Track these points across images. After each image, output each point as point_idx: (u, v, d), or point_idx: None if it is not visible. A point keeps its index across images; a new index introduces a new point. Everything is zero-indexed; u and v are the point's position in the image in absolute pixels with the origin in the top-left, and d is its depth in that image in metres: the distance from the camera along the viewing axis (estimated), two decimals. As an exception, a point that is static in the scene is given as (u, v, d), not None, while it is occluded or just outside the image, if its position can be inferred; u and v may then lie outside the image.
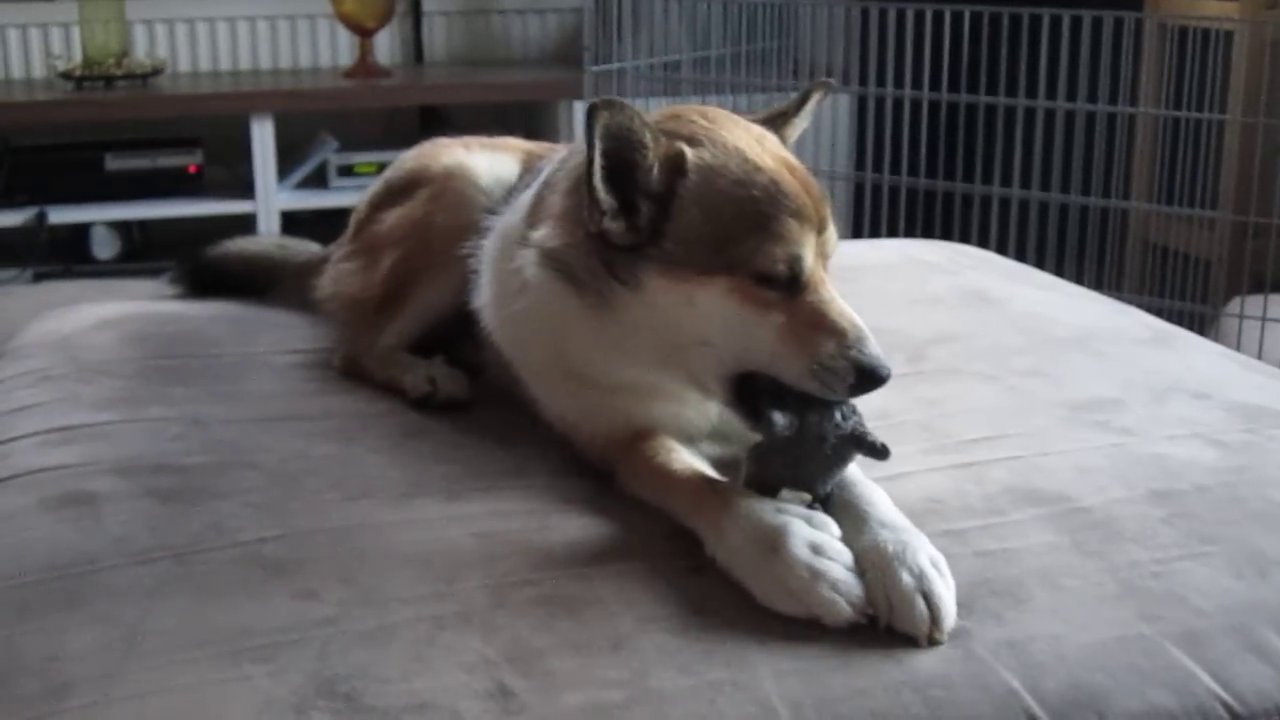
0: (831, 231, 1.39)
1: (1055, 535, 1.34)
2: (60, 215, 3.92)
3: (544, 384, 1.55)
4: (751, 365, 1.34)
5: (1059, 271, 3.11)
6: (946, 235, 3.22)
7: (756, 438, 1.33)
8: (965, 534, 1.34)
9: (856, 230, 3.72)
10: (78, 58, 4.13)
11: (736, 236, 1.32)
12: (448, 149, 1.90)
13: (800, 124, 1.56)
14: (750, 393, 1.35)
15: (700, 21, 3.73)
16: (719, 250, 1.33)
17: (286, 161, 4.09)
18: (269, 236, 2.28)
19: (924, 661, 1.15)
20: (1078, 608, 1.23)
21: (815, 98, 1.56)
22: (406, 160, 1.95)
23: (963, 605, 1.20)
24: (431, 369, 1.73)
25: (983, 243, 3.13)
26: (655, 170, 1.35)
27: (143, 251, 4.06)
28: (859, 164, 3.69)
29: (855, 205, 3.83)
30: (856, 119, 3.92)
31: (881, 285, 2.13)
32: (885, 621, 1.18)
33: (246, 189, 4.00)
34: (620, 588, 1.24)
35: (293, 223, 3.94)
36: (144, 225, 4.08)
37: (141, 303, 2.13)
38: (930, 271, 2.23)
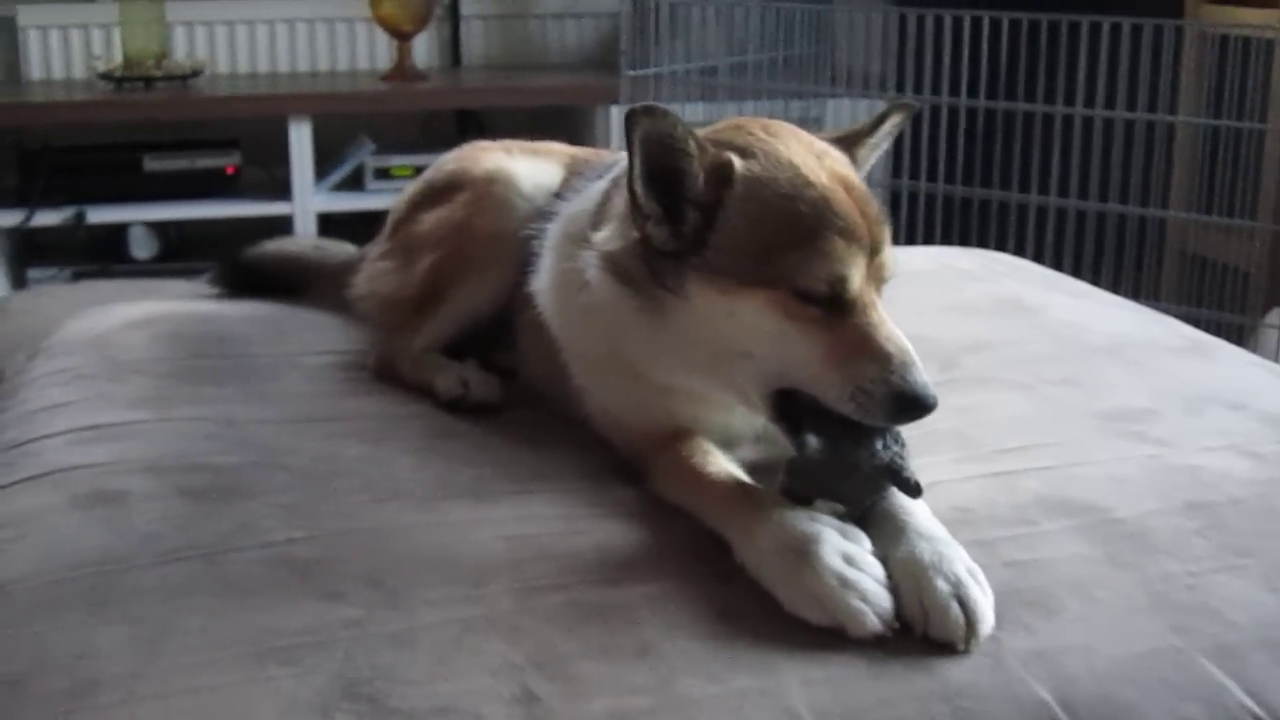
0: (887, 255, 1.37)
1: (1087, 546, 1.33)
2: (99, 215, 3.93)
3: (594, 376, 1.55)
4: (791, 382, 1.33)
5: (1096, 281, 3.09)
6: (983, 243, 3.20)
7: None
8: (995, 544, 1.33)
9: (894, 238, 3.70)
10: (118, 59, 4.15)
11: (780, 250, 1.31)
12: (489, 153, 1.90)
13: (877, 145, 1.53)
14: (791, 408, 1.34)
15: (737, 26, 3.72)
16: (762, 263, 1.32)
17: (323, 164, 4.10)
18: (306, 238, 2.29)
19: (953, 671, 1.14)
20: (1109, 619, 1.21)
21: (894, 119, 1.53)
22: (447, 162, 1.95)
23: (994, 616, 1.19)
24: (464, 371, 1.73)
25: (1019, 251, 3.11)
26: (701, 179, 1.35)
27: (180, 252, 4.08)
28: (896, 171, 3.67)
29: (892, 213, 3.80)
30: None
31: (915, 292, 2.10)
32: (921, 630, 1.17)
33: (283, 190, 4.01)
34: (648, 594, 1.23)
35: (329, 224, 3.95)
36: (181, 226, 4.09)
37: (176, 302, 2.14)
38: (965, 279, 2.22)
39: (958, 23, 3.27)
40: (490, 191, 1.80)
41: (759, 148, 1.36)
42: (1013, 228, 3.30)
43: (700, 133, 1.39)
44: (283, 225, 3.94)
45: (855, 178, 1.38)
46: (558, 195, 1.72)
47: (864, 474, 1.26)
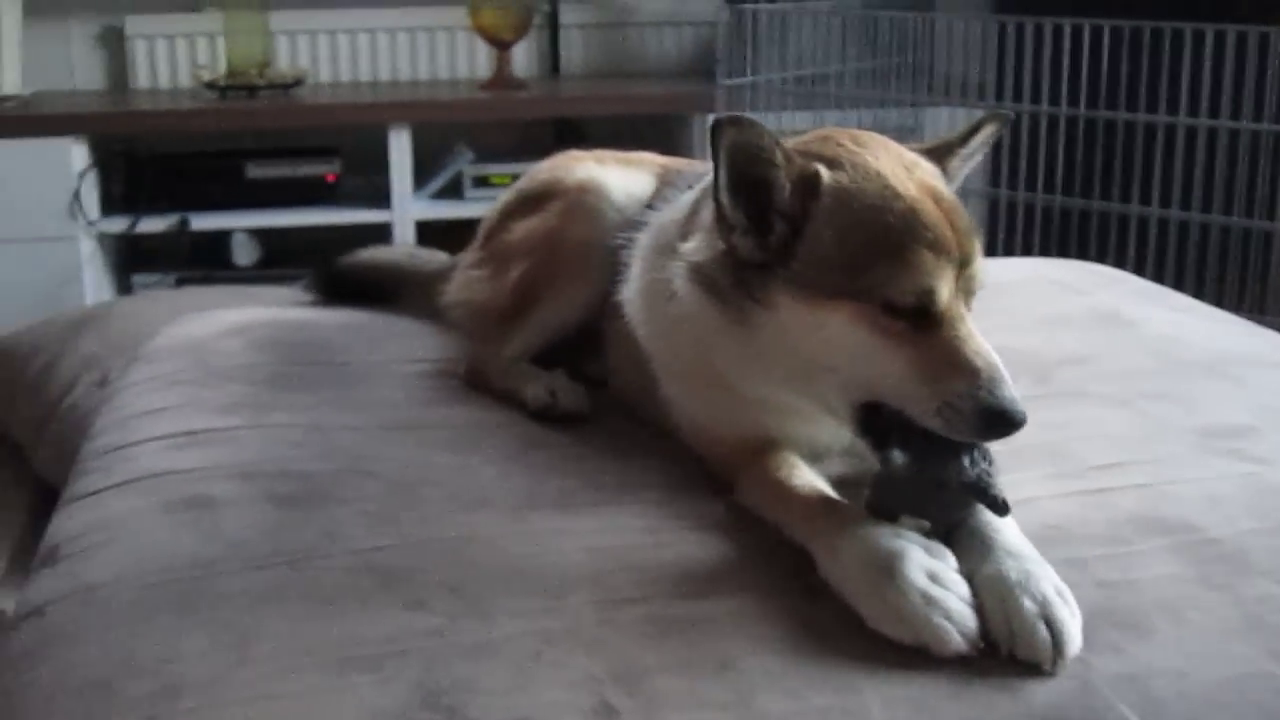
0: (977, 268, 1.35)
1: (1181, 566, 1.30)
2: (202, 222, 3.99)
3: (682, 386, 1.55)
4: (877, 396, 1.31)
5: (1199, 293, 3.03)
6: (1083, 254, 3.15)
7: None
8: (1087, 562, 1.30)
9: (990, 249, 3.66)
10: (222, 68, 4.22)
11: (867, 263, 1.30)
12: (582, 162, 1.91)
13: (969, 156, 1.51)
14: (878, 422, 1.32)
15: (835, 35, 3.70)
16: (849, 275, 1.30)
17: (423, 172, 4.13)
18: (400, 246, 2.32)
19: (1039, 693, 1.12)
20: (1202, 642, 1.19)
21: (987, 129, 1.51)
22: (540, 171, 1.96)
23: (1082, 637, 1.17)
24: (552, 381, 1.73)
25: (1120, 263, 3.06)
26: (788, 189, 1.34)
27: (281, 258, 4.12)
28: (995, 181, 3.62)
29: (990, 223, 3.77)
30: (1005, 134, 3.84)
31: (1010, 304, 2.09)
32: (1007, 650, 1.15)
33: (383, 198, 4.04)
34: (729, 608, 1.22)
35: (427, 232, 3.97)
36: (282, 233, 4.14)
37: (273, 309, 2.17)
38: (1061, 291, 2.18)
39: (1058, 31, 3.23)
40: (582, 201, 1.80)
41: (847, 159, 1.35)
42: (1114, 239, 3.24)
43: (788, 143, 1.38)
44: (382, 233, 3.97)
45: (945, 189, 1.36)
46: (649, 205, 1.72)
47: (951, 491, 1.25)
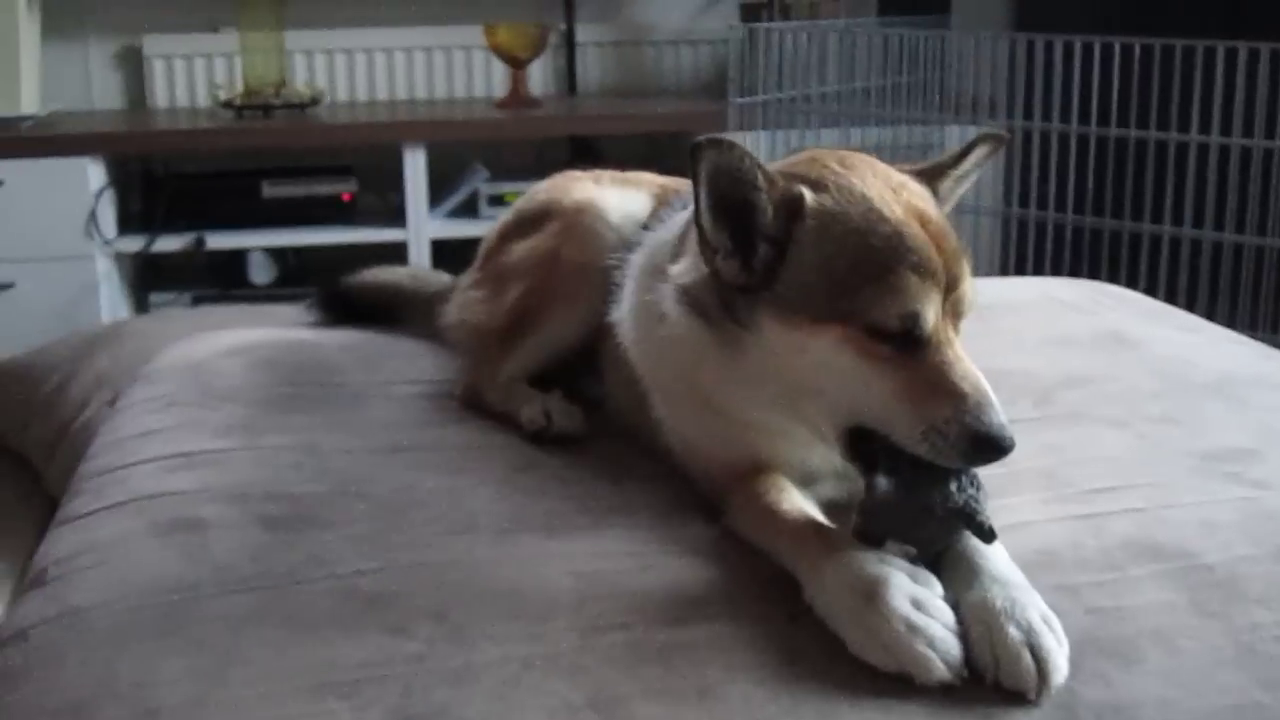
0: (965, 290, 1.33)
1: (1173, 593, 1.28)
2: (218, 241, 4.01)
3: (673, 407, 1.54)
4: (864, 420, 1.30)
5: (1214, 313, 3.00)
6: (1098, 274, 3.13)
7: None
8: (1078, 589, 1.29)
9: (1004, 268, 3.65)
10: (239, 87, 4.23)
11: (851, 286, 1.28)
12: (580, 183, 1.90)
13: (962, 177, 1.49)
14: (866, 447, 1.31)
15: (850, 54, 3.69)
16: (833, 299, 1.29)
17: (438, 190, 4.14)
18: (403, 267, 2.31)
19: (1022, 723, 1.10)
20: (1192, 672, 1.17)
21: (981, 150, 1.49)
22: (538, 192, 1.96)
23: (1070, 665, 1.15)
24: (548, 403, 1.72)
25: (1134, 282, 3.05)
26: (771, 212, 1.33)
27: (298, 277, 4.13)
28: (1010, 199, 3.61)
29: (1004, 242, 3.75)
30: (1007, 152, 3.80)
31: (1015, 325, 2.08)
32: (992, 679, 1.13)
33: (399, 217, 4.05)
34: (712, 634, 1.21)
35: (443, 251, 3.98)
36: (299, 251, 4.15)
37: (275, 329, 2.16)
38: (1067, 311, 2.16)
39: (1070, 48, 3.21)
40: (579, 222, 1.80)
41: (832, 180, 1.33)
42: (1128, 258, 3.22)
43: (774, 165, 1.37)
44: (397, 251, 3.98)
45: (933, 211, 1.35)
46: (645, 225, 1.71)
47: (938, 517, 1.23)
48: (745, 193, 1.32)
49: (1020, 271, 3.40)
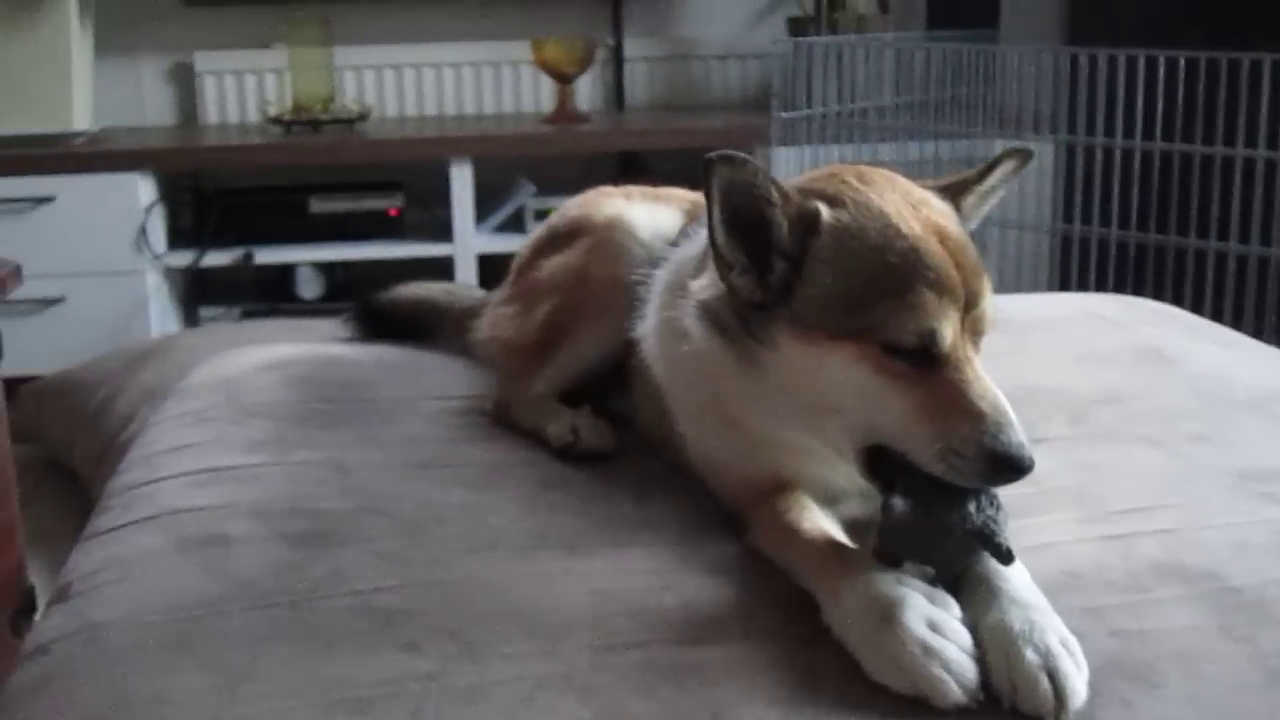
0: (985, 308, 1.31)
1: (1200, 617, 1.26)
2: (266, 255, 4.04)
3: (697, 424, 1.53)
4: (881, 438, 1.28)
5: (1278, 331, 2.95)
6: (1156, 291, 3.09)
7: None
8: (1103, 611, 1.26)
9: (1063, 284, 3.61)
10: (289, 103, 4.27)
11: (867, 303, 1.27)
12: (610, 199, 1.90)
13: (986, 193, 1.47)
14: (884, 465, 1.29)
15: (902, 67, 3.67)
16: (849, 315, 1.28)
17: (486, 205, 4.15)
18: (437, 282, 2.31)
19: (1040, 748, 1.08)
20: (1216, 697, 1.14)
21: (1007, 165, 1.47)
22: (570, 208, 1.96)
23: (1091, 689, 1.13)
24: (576, 419, 1.72)
25: (1195, 298, 3.00)
26: (786, 228, 1.32)
27: (345, 291, 4.15)
28: (1068, 217, 3.57)
29: (1061, 258, 3.71)
30: (1065, 168, 3.76)
31: (1051, 341, 2.05)
32: (1009, 703, 1.11)
33: (445, 232, 4.07)
34: (728, 655, 1.20)
35: (489, 266, 3.99)
36: (347, 266, 4.18)
37: (312, 345, 2.17)
38: (1106, 327, 2.14)
39: (1131, 62, 3.17)
40: (609, 238, 1.79)
41: (849, 196, 1.32)
42: (1190, 275, 3.16)
43: (793, 181, 1.36)
44: (444, 266, 4.00)
45: (953, 227, 1.33)
46: (673, 242, 1.71)
47: (955, 538, 1.21)
48: (760, 208, 1.31)
49: (1081, 288, 3.35)
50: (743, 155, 1.29)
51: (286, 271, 4.15)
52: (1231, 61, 3.01)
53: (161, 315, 3.98)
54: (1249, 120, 3.01)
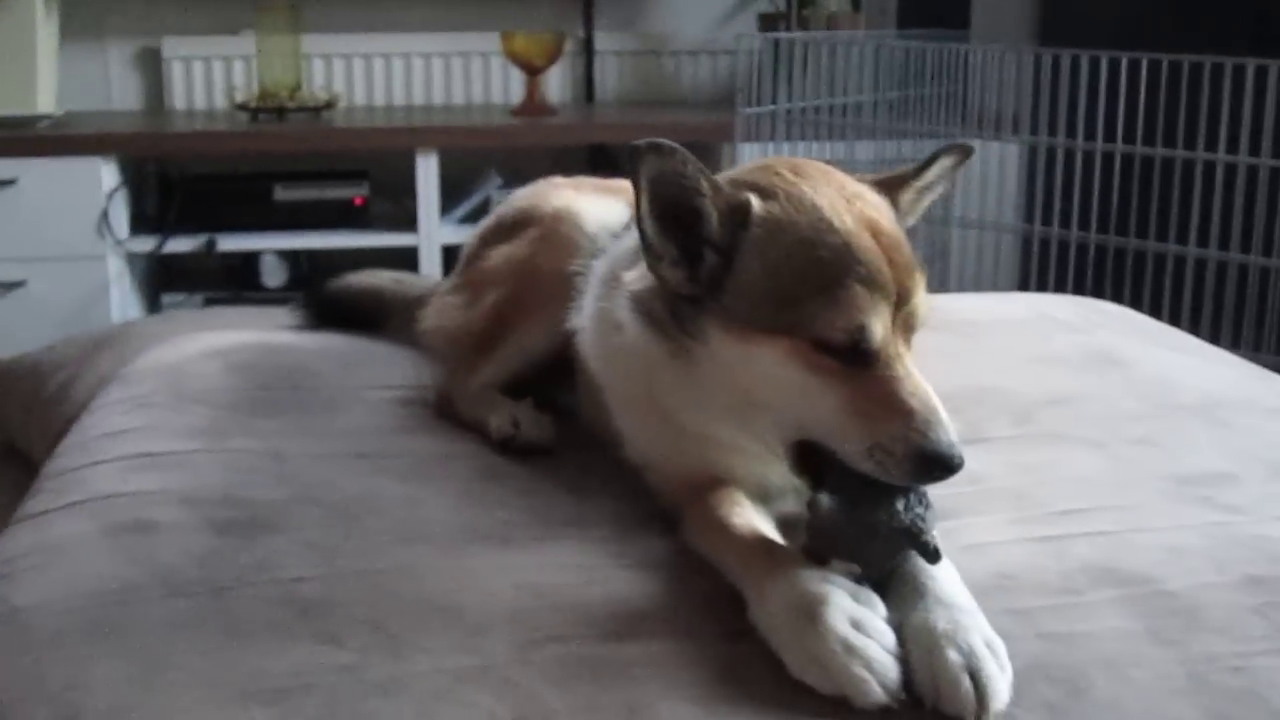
0: (917, 304, 1.30)
1: (1130, 620, 1.25)
2: (229, 243, 4.01)
3: (632, 419, 1.51)
4: (811, 435, 1.27)
5: (1237, 337, 2.94)
6: (1118, 293, 3.08)
7: None
8: (1032, 614, 1.25)
9: (1024, 284, 3.60)
10: (256, 90, 4.24)
11: (797, 297, 1.26)
12: (559, 190, 1.88)
13: (924, 188, 1.46)
14: (814, 462, 1.28)
15: (868, 65, 3.66)
16: (779, 310, 1.26)
17: (453, 196, 4.13)
18: (388, 271, 2.29)
19: (959, 750, 1.07)
20: (1140, 702, 1.13)
21: (945, 161, 1.45)
22: (519, 198, 1.94)
23: (1015, 691, 1.12)
24: (516, 411, 1.70)
25: (1156, 302, 2.99)
26: (716, 219, 1.30)
27: (310, 280, 4.13)
28: (1029, 216, 3.57)
29: (1022, 259, 3.70)
30: (1028, 169, 3.75)
31: (1002, 342, 2.04)
32: (931, 704, 1.10)
33: (411, 222, 4.04)
34: (650, 651, 1.18)
35: (454, 257, 3.95)
36: (312, 255, 4.15)
37: (259, 333, 2.15)
38: (1058, 329, 2.13)
39: (1095, 64, 3.16)
40: (556, 230, 1.77)
41: (782, 188, 1.31)
42: (1151, 278, 3.16)
43: (727, 173, 1.34)
44: (409, 257, 3.98)
45: (887, 222, 1.31)
46: (616, 234, 1.69)
47: (882, 536, 1.20)
48: (690, 199, 1.29)
49: (1034, 288, 3.35)
50: (671, 144, 1.27)
51: (250, 259, 4.12)
52: (1203, 65, 3.00)
53: (123, 301, 3.95)
54: (1222, 125, 3.00)
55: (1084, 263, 3.32)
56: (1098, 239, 3.28)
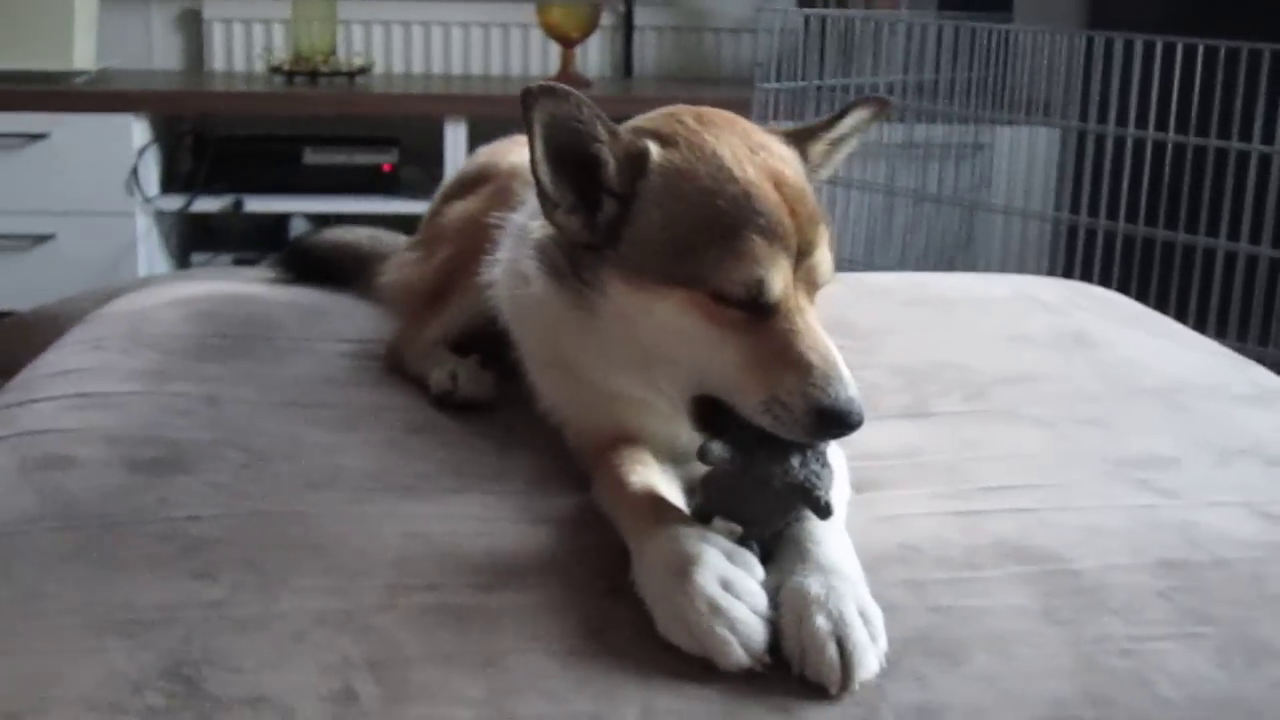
0: (819, 258, 1.26)
1: (1027, 598, 1.21)
2: (257, 204, 4.03)
3: (541, 374, 1.49)
4: (709, 389, 1.24)
5: (1266, 335, 2.84)
6: (1145, 286, 3.00)
7: None
8: (926, 586, 1.22)
9: (1053, 274, 3.52)
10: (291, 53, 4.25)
11: (695, 248, 1.22)
12: (519, 146, 1.86)
13: (836, 140, 1.42)
14: (715, 417, 1.25)
15: (906, 44, 3.60)
16: (677, 260, 1.23)
17: (481, 165, 4.12)
18: (365, 228, 2.28)
19: (817, 719, 1.04)
20: (1018, 679, 1.09)
21: (860, 114, 1.42)
22: (480, 155, 1.93)
23: (888, 662, 1.09)
24: (458, 367, 1.68)
25: (1202, 301, 2.88)
26: (614, 166, 1.27)
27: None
28: (1065, 204, 3.49)
29: (1052, 247, 3.63)
30: (1072, 155, 3.64)
31: (974, 320, 2.00)
32: (798, 669, 1.07)
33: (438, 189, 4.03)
34: (520, 603, 1.16)
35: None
36: (340, 219, 4.16)
37: (230, 284, 2.15)
38: (1036, 310, 2.07)
39: (1148, 49, 3.05)
40: (509, 186, 1.75)
41: (683, 136, 1.28)
42: (1177, 270, 3.05)
43: (631, 121, 1.32)
44: (436, 224, 3.97)
45: (791, 174, 1.28)
46: None
47: (774, 490, 1.17)
48: (586, 145, 1.26)
49: (1070, 278, 3.25)
50: (566, 88, 1.24)
51: (280, 221, 4.14)
52: (1253, 52, 2.89)
53: (150, 258, 3.98)
54: (1267, 116, 2.88)
55: (1112, 253, 3.17)
56: (1145, 231, 3.13)
